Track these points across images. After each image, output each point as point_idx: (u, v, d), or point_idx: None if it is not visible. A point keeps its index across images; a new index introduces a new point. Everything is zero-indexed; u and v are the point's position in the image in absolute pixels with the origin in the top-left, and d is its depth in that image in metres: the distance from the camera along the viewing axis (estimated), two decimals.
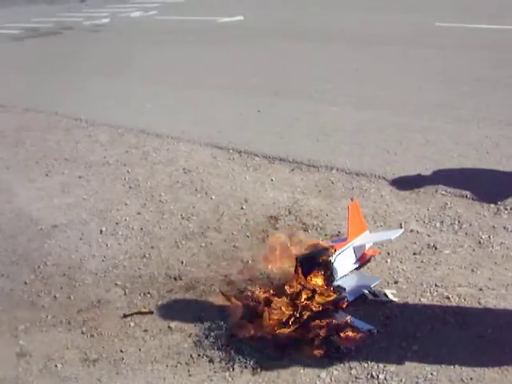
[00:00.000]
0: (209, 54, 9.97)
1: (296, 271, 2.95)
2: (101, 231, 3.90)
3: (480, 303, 2.84)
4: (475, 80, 6.78)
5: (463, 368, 2.43)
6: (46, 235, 3.90)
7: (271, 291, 2.89)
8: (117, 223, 3.99)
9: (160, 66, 9.37)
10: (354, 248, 3.18)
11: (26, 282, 3.35)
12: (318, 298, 2.80)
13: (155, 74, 8.75)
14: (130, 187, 4.55)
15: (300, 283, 2.87)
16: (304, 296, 2.80)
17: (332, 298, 2.84)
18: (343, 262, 3.11)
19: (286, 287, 2.88)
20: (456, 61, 7.84)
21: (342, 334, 2.61)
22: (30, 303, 3.15)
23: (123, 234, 3.84)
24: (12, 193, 4.61)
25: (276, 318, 2.70)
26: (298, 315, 2.71)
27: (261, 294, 2.88)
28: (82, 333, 2.86)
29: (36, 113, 6.96)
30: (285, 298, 2.79)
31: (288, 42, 10.25)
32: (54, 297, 3.19)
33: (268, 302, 2.78)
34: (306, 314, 2.71)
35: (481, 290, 2.94)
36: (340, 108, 6.17)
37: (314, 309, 2.74)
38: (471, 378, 2.37)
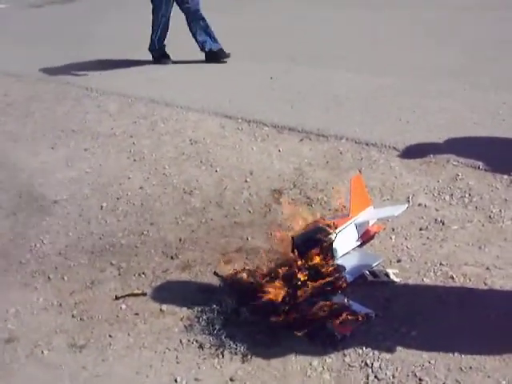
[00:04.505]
0: (221, 19, 9.71)
1: (292, 251, 2.82)
2: (101, 207, 3.81)
3: (486, 283, 2.70)
4: (497, 43, 6.45)
5: (463, 356, 2.30)
6: (46, 211, 3.82)
7: (266, 273, 2.78)
8: (118, 198, 3.90)
9: (173, 33, 9.18)
10: (355, 225, 3.05)
11: (21, 262, 3.28)
12: (314, 280, 2.67)
13: (168, 42, 8.58)
14: (135, 160, 4.45)
15: (296, 264, 2.74)
16: (300, 277, 2.68)
17: (330, 279, 2.71)
18: (344, 240, 2.97)
19: (282, 268, 2.76)
20: (478, 24, 7.48)
21: (337, 319, 2.49)
22: (23, 285, 3.08)
23: (123, 210, 3.75)
24: (16, 168, 4.53)
25: (269, 301, 2.58)
26: (292, 298, 2.59)
27: (255, 276, 2.78)
28: (73, 316, 2.79)
29: (47, 83, 6.82)
30: (279, 280, 2.67)
31: (302, 4, 9.93)
32: (48, 277, 3.12)
33: (262, 285, 2.67)
34: (301, 297, 2.59)
35: (488, 268, 2.80)
36: (355, 74, 5.92)
37: (309, 291, 2.62)
38: (471, 367, 2.25)
